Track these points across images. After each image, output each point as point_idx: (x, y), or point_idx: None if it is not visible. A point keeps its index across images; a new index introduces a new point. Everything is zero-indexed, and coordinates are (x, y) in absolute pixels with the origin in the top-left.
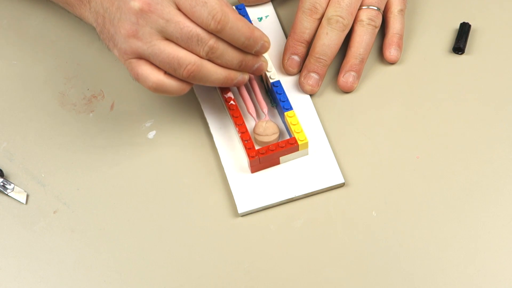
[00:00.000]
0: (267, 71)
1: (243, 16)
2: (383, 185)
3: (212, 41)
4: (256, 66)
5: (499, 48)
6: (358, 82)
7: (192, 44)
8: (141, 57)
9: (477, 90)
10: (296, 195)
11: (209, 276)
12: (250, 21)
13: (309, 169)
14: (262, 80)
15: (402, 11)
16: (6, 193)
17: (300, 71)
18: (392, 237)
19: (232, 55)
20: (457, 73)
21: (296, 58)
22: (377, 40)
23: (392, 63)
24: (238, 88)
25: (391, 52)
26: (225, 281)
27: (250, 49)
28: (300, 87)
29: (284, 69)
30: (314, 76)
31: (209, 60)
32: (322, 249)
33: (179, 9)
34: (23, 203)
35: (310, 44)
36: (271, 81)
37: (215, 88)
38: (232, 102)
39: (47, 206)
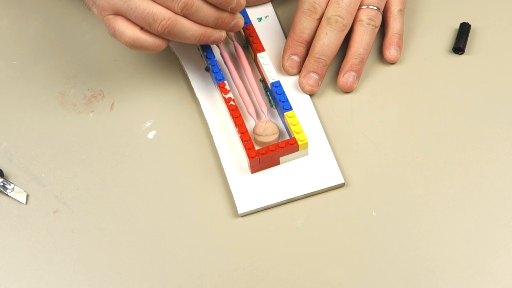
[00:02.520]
0: (264, 64)
1: (243, 16)
2: (383, 185)
3: None
4: (232, 23)
5: (499, 48)
6: (358, 82)
7: (167, 0)
8: (118, 13)
9: (477, 90)
10: (296, 195)
11: (209, 276)
12: (249, 21)
13: (309, 169)
14: (262, 80)
15: (401, 11)
16: (6, 193)
17: (300, 71)
18: (392, 237)
19: (208, 12)
20: (457, 73)
21: (296, 58)
22: (377, 40)
23: (392, 63)
24: (238, 88)
25: (391, 52)
26: (225, 281)
27: (225, 6)
28: (300, 87)
29: (284, 69)
30: (314, 76)
31: (185, 16)
32: (322, 249)
33: None
34: (23, 203)
35: (309, 44)
36: (271, 81)
37: (215, 88)
38: (232, 102)
39: (47, 206)
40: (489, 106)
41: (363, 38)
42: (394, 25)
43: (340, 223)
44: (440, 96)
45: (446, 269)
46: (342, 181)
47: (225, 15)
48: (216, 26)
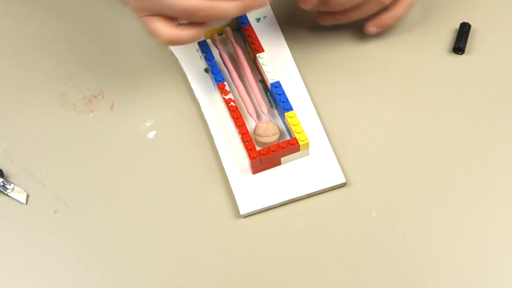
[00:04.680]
0: (264, 64)
1: (241, 17)
2: (383, 185)
3: None
4: None
5: (499, 48)
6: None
7: None
8: (154, 13)
9: (477, 90)
10: (298, 196)
11: (209, 276)
12: (248, 22)
13: (310, 169)
14: (262, 80)
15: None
16: (6, 193)
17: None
18: (392, 237)
19: None
20: (457, 73)
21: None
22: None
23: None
24: (238, 89)
25: (372, 29)
26: (225, 281)
27: None
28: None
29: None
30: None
31: None
32: (322, 249)
33: None
34: (23, 203)
35: None
36: (271, 81)
37: (215, 89)
38: (232, 103)
39: (47, 206)
40: (489, 106)
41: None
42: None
43: (340, 223)
44: (440, 96)
45: (446, 269)
46: (343, 180)
47: None
48: None
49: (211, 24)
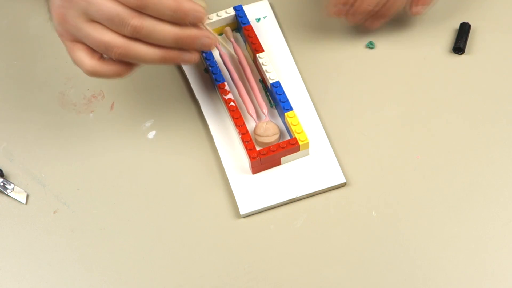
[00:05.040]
0: (264, 64)
1: (241, 17)
2: (383, 185)
3: (135, 21)
4: (200, 41)
5: (499, 48)
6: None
7: (115, 25)
8: (76, 40)
9: (477, 90)
10: (298, 196)
11: (209, 276)
12: (248, 22)
13: (310, 169)
14: (262, 80)
15: None
16: (6, 193)
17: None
18: (392, 237)
19: (164, 32)
20: (457, 73)
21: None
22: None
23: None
24: (238, 89)
25: (417, 8)
26: (225, 281)
27: (181, 20)
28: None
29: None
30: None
31: (139, 40)
32: (322, 249)
33: None
34: (23, 203)
35: None
36: (271, 81)
37: (214, 89)
38: (232, 103)
39: (47, 206)
40: (489, 106)
41: None
42: None
43: (340, 223)
44: (440, 96)
45: (446, 269)
46: (343, 180)
47: (187, 33)
48: (178, 45)
49: (211, 25)
